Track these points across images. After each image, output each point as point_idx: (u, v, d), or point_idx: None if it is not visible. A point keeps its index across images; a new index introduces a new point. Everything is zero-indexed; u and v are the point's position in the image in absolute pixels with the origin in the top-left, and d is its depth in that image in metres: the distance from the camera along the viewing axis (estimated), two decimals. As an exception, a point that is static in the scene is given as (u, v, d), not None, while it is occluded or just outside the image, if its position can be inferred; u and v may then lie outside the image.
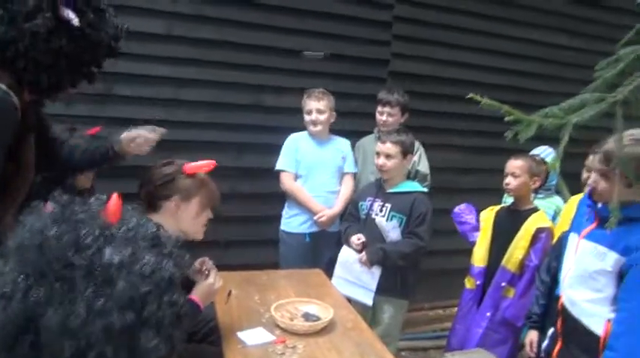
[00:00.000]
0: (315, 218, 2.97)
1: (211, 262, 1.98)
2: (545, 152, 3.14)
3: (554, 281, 2.12)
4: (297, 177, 3.04)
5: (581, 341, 1.80)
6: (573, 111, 1.31)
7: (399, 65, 3.60)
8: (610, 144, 1.65)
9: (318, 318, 2.02)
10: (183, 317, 0.77)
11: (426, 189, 2.75)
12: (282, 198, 3.34)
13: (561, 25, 4.11)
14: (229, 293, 2.19)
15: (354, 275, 2.66)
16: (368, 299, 2.61)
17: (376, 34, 3.52)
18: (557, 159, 1.27)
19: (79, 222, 0.71)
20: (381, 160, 2.62)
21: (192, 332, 2.10)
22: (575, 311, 1.83)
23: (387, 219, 2.62)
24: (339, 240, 3.21)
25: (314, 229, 3.03)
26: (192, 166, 1.85)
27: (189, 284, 1.88)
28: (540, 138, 1.32)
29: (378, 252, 2.57)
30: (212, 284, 1.86)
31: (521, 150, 3.06)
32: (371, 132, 3.25)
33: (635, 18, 1.38)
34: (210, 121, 3.17)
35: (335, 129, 3.11)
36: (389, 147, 2.59)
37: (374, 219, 2.67)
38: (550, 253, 2.34)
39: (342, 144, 3.14)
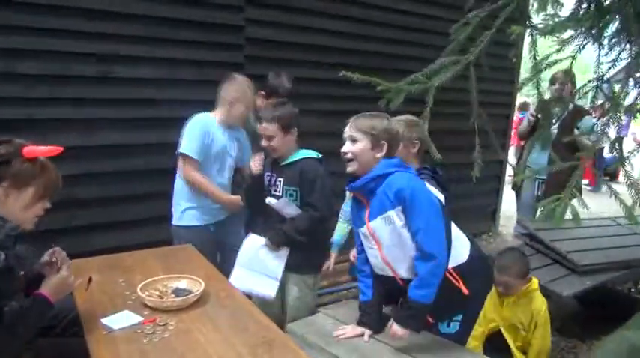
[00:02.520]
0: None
1: (64, 253, 1.81)
2: None
3: None
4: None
5: None
6: (434, 75, 1.44)
7: (255, 31, 3.55)
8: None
9: (189, 293, 1.98)
10: None
11: (314, 154, 2.51)
12: (143, 175, 3.17)
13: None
14: (89, 280, 2.04)
15: (259, 263, 2.49)
16: (271, 291, 2.47)
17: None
18: (425, 120, 1.39)
19: None
20: (264, 141, 2.45)
21: (50, 326, 1.94)
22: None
23: (281, 194, 2.47)
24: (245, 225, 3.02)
25: (220, 218, 2.85)
26: (33, 149, 1.61)
27: (39, 278, 1.72)
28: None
29: (278, 233, 2.44)
30: (65, 277, 1.70)
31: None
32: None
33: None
34: (53, 96, 2.85)
35: (193, 100, 2.99)
36: (265, 127, 2.42)
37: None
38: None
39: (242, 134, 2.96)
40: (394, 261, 1.98)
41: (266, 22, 3.60)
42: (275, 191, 2.50)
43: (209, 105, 3.08)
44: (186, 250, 2.58)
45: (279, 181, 2.49)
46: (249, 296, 2.31)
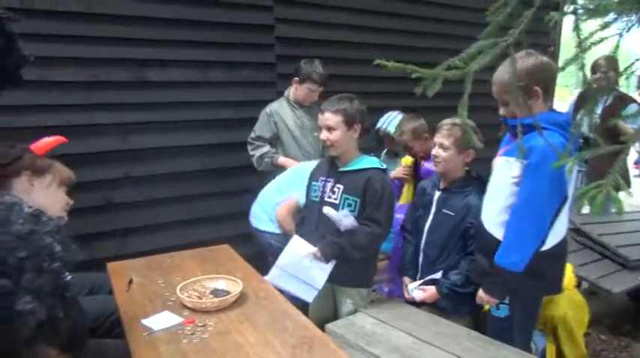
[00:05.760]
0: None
1: None
2: (391, 116, 3.26)
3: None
4: None
5: (489, 250, 1.97)
6: (472, 59, 1.36)
7: (285, 30, 3.53)
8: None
9: (227, 293, 1.96)
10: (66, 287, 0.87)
11: (379, 164, 2.31)
12: (179, 177, 3.19)
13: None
14: (130, 282, 2.06)
15: (301, 270, 2.30)
16: (309, 297, 2.30)
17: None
18: (464, 108, 1.32)
19: None
20: (323, 134, 2.27)
21: (93, 328, 1.96)
22: (487, 224, 2.03)
23: (339, 202, 2.28)
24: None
25: None
26: (38, 144, 1.82)
27: None
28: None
29: (333, 247, 2.24)
30: None
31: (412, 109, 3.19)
32: (264, 101, 3.17)
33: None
34: (88, 102, 2.90)
35: (224, 101, 2.99)
36: (328, 117, 2.24)
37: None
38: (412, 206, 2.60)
39: None
40: (486, 202, 2.07)
41: (296, 21, 3.57)
42: (330, 198, 2.30)
43: (241, 106, 3.08)
44: (224, 251, 2.57)
45: (338, 188, 2.28)
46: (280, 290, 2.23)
